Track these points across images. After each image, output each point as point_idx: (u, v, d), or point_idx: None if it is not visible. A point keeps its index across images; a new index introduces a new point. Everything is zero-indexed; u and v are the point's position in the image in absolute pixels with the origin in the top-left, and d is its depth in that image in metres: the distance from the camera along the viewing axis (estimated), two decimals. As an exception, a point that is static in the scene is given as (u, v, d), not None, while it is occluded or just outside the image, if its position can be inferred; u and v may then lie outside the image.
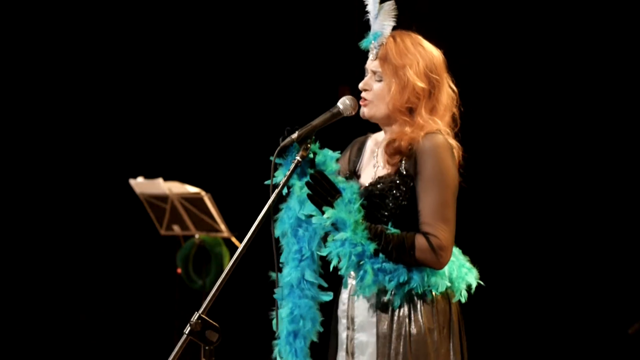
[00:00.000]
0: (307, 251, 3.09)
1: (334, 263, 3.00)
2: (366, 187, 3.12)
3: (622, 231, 6.72)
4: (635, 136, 6.69)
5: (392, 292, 3.04)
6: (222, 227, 7.07)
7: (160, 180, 7.07)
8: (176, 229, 7.25)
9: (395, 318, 3.07)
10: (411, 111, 3.13)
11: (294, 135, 3.03)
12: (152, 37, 7.98)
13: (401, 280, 3.01)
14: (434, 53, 3.17)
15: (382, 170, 3.16)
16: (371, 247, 2.98)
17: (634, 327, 6.14)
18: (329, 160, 3.10)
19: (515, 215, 6.91)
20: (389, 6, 3.18)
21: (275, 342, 3.13)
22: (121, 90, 8.06)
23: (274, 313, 3.11)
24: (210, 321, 2.74)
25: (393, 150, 3.09)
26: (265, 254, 3.33)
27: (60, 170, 8.03)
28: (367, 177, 3.20)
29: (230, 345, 5.29)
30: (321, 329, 3.13)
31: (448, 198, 3.02)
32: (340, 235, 2.98)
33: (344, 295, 3.18)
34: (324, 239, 3.07)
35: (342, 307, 3.18)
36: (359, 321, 3.13)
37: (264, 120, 7.57)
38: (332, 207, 2.99)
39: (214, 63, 7.99)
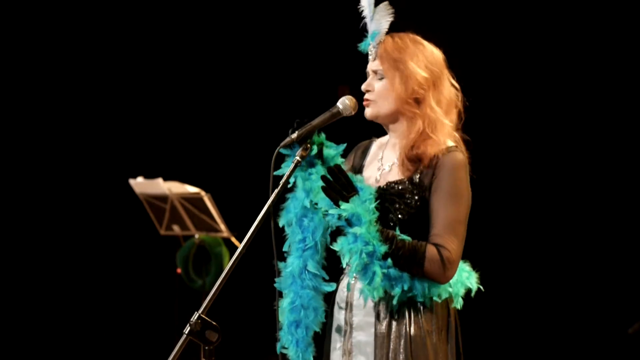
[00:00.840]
0: (310, 241, 3.09)
1: (345, 259, 3.00)
2: (377, 190, 3.11)
3: (622, 231, 6.72)
4: (634, 136, 6.69)
5: (394, 297, 3.03)
6: (222, 227, 7.07)
7: (160, 180, 7.07)
8: (176, 229, 7.25)
9: (395, 319, 3.07)
10: (418, 102, 3.12)
11: (294, 135, 3.03)
12: (152, 37, 7.98)
13: (405, 288, 3.00)
14: (434, 50, 3.17)
15: (389, 174, 3.15)
16: (382, 249, 2.96)
17: (634, 327, 6.14)
18: (337, 155, 3.11)
19: (514, 215, 6.91)
20: (384, 6, 3.18)
21: (278, 333, 3.13)
22: (121, 91, 8.06)
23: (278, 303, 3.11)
24: (210, 321, 2.74)
25: (414, 157, 3.08)
26: (264, 254, 3.33)
27: (60, 170, 8.03)
28: (370, 179, 3.19)
29: (230, 345, 5.29)
30: (323, 320, 3.12)
31: (462, 216, 3.03)
32: (355, 230, 2.97)
33: (342, 293, 3.18)
34: (332, 234, 3.06)
35: (342, 304, 3.18)
36: (358, 320, 3.12)
37: (264, 121, 7.58)
38: (348, 202, 2.98)
39: (214, 63, 8.00)
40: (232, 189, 7.64)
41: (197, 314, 2.74)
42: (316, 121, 3.08)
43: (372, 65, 3.18)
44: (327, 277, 3.10)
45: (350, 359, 3.13)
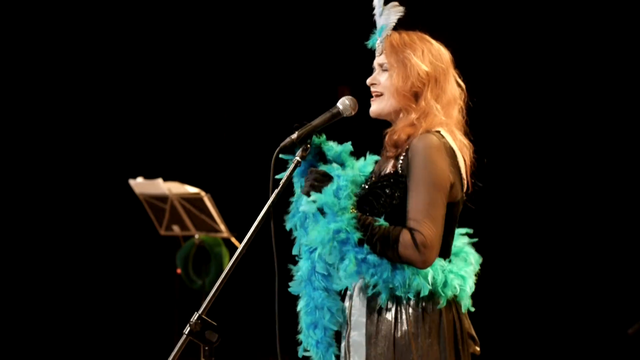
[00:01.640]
0: None
1: (319, 250, 3.00)
2: (370, 183, 3.11)
3: (622, 231, 6.72)
4: (634, 136, 6.69)
5: (379, 292, 3.03)
6: (222, 227, 7.07)
7: (159, 181, 7.07)
8: (176, 229, 7.25)
9: (382, 320, 3.05)
10: (417, 97, 3.11)
11: (294, 136, 3.04)
12: (152, 37, 7.98)
13: (384, 277, 2.98)
14: (441, 48, 3.17)
15: (388, 167, 3.16)
16: (356, 235, 2.96)
17: (634, 328, 6.14)
18: (344, 153, 3.12)
19: (514, 215, 6.91)
20: (394, 4, 3.18)
21: (299, 335, 3.14)
22: (121, 91, 8.06)
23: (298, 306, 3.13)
24: (210, 321, 2.74)
25: (392, 142, 3.09)
26: (264, 254, 3.33)
27: (60, 171, 8.03)
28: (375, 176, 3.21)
29: (230, 345, 5.29)
30: (340, 318, 3.12)
31: (437, 198, 2.97)
32: (324, 221, 2.97)
33: (348, 291, 3.18)
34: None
35: (346, 305, 3.18)
36: (354, 320, 3.13)
37: (264, 121, 7.58)
38: (320, 192, 3.00)
39: (214, 63, 8.00)
40: (232, 190, 7.64)
41: (197, 315, 2.74)
42: (316, 121, 3.08)
43: (379, 60, 3.18)
44: (337, 277, 3.10)
45: (348, 358, 3.14)
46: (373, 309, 3.06)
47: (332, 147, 3.16)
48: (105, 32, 7.98)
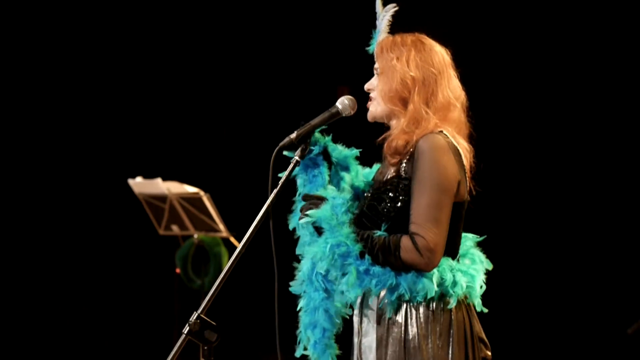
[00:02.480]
0: None
1: (318, 265, 2.99)
2: (373, 190, 3.10)
3: (622, 231, 6.72)
4: (634, 136, 6.69)
5: (386, 299, 3.02)
6: (221, 227, 7.07)
7: (159, 180, 7.06)
8: (175, 228, 7.25)
9: (393, 323, 3.04)
10: (405, 102, 3.10)
11: (293, 136, 3.03)
12: (152, 37, 7.98)
13: (387, 285, 2.97)
14: (436, 49, 3.13)
15: (390, 172, 3.15)
16: (357, 247, 2.96)
17: (634, 327, 6.14)
18: (350, 157, 3.12)
19: (514, 215, 6.91)
20: (391, 6, 3.17)
21: (298, 333, 3.14)
22: (120, 91, 8.06)
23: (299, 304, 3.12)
24: (209, 321, 2.74)
25: (392, 150, 3.07)
26: (263, 254, 3.32)
27: (60, 171, 8.02)
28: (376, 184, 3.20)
29: (230, 345, 5.29)
30: (338, 320, 3.11)
31: (441, 200, 2.95)
32: (323, 235, 2.97)
33: (357, 302, 3.17)
34: None
35: (356, 312, 3.18)
36: (365, 326, 3.12)
37: (264, 121, 7.58)
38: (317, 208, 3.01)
39: (213, 63, 7.99)
40: (231, 189, 7.64)
41: (196, 314, 2.74)
42: (315, 121, 3.08)
43: (375, 64, 3.18)
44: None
45: (360, 364, 3.14)
46: (383, 315, 3.05)
47: (338, 149, 3.15)
48: (105, 32, 7.98)
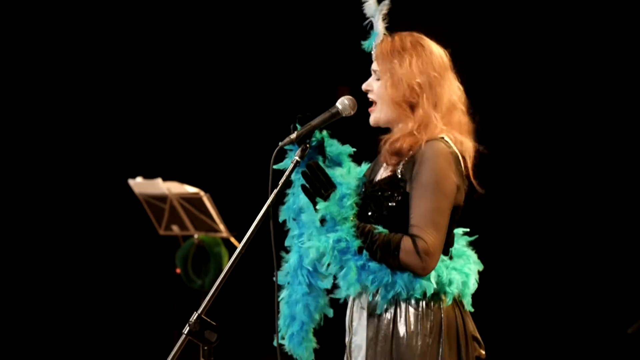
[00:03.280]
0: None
1: (312, 257, 2.99)
2: (366, 188, 3.11)
3: (622, 231, 6.72)
4: (634, 136, 6.69)
5: (379, 296, 3.02)
6: (221, 227, 7.07)
7: (159, 181, 7.07)
8: (175, 229, 7.25)
9: (382, 321, 3.04)
10: (413, 107, 3.10)
11: (293, 136, 3.03)
12: (152, 37, 7.98)
13: (384, 282, 2.97)
14: (434, 51, 3.13)
15: (383, 173, 3.15)
16: (356, 243, 2.96)
17: (634, 327, 6.14)
18: (343, 154, 3.11)
19: (514, 215, 6.91)
20: (386, 5, 3.17)
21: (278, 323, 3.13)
22: (120, 91, 8.06)
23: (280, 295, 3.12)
24: (209, 321, 2.74)
25: (394, 150, 3.07)
26: (263, 254, 3.32)
27: (60, 171, 8.03)
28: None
29: (230, 345, 5.29)
30: (317, 316, 3.11)
31: (442, 205, 2.97)
32: (325, 229, 2.97)
33: (349, 301, 3.17)
34: None
35: (347, 312, 3.18)
36: (355, 325, 3.12)
37: (264, 121, 7.57)
38: (325, 200, 2.99)
39: (213, 63, 7.99)
40: (232, 189, 7.63)
41: (196, 314, 2.74)
42: (315, 121, 3.08)
43: (373, 65, 3.18)
44: (326, 273, 3.08)
45: (349, 361, 3.14)
46: (374, 313, 3.06)
47: (334, 144, 3.15)
48: (105, 32, 7.98)
